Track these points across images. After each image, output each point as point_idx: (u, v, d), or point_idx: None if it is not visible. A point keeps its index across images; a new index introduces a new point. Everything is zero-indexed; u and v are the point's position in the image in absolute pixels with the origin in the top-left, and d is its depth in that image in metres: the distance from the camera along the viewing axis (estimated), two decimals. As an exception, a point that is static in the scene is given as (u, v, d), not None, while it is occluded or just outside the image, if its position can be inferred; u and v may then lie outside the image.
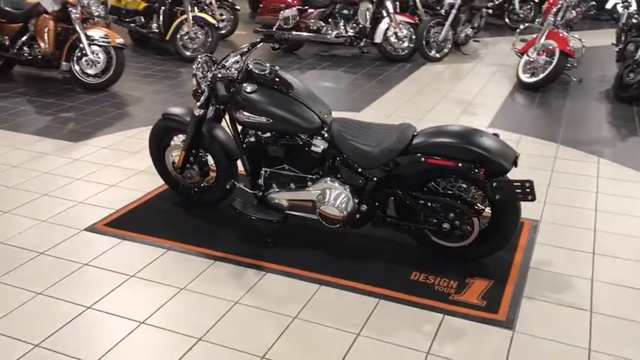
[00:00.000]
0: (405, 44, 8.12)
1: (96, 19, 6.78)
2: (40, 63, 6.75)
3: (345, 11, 8.28)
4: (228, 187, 3.54)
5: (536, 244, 3.47)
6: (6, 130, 5.36)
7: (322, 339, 2.66)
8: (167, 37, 8.07)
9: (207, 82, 3.32)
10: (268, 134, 3.33)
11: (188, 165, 3.69)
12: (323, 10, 8.40)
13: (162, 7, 8.19)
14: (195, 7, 8.15)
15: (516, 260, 3.28)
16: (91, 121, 5.61)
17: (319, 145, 3.23)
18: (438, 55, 8.11)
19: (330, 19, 8.38)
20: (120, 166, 4.55)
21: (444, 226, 3.07)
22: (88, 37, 6.40)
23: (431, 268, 3.18)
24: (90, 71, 6.52)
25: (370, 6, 8.04)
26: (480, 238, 3.13)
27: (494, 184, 2.87)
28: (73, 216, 3.77)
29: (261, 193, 3.42)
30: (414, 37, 8.06)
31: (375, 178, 3.12)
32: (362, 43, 8.31)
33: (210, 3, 9.50)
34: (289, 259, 3.27)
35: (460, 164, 2.89)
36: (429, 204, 3.09)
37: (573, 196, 4.09)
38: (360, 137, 3.12)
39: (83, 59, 6.48)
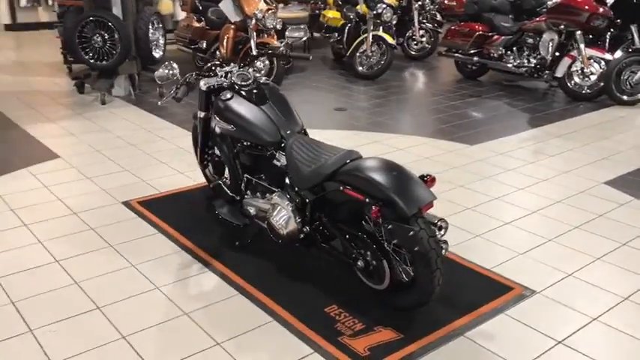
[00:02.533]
0: (591, 82, 7.18)
1: (272, 31, 7.52)
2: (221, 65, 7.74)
3: (531, 40, 7.67)
4: (211, 186, 3.77)
5: (502, 314, 2.97)
6: (167, 121, 6.37)
7: (185, 338, 2.75)
8: (347, 53, 8.49)
9: (180, 83, 3.59)
10: (245, 143, 3.47)
11: (205, 162, 4.02)
12: (509, 37, 7.91)
13: (349, 25, 8.64)
14: (380, 27, 8.40)
15: (456, 323, 2.87)
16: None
17: (281, 160, 3.27)
18: (625, 98, 6.98)
19: (514, 48, 7.86)
20: (201, 158, 5.09)
21: (358, 263, 2.87)
22: (257, 46, 7.15)
23: (352, 306, 2.98)
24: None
25: (555, 37, 7.30)
26: (401, 287, 2.83)
27: (389, 226, 2.59)
28: (127, 190, 4.39)
29: (238, 198, 3.58)
30: (606, 75, 7.09)
31: (307, 200, 3.05)
32: (545, 76, 7.60)
33: (414, 24, 9.68)
34: (237, 263, 3.38)
35: (367, 200, 2.69)
36: (347, 236, 2.90)
37: (611, 275, 3.32)
38: (305, 156, 3.08)
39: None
